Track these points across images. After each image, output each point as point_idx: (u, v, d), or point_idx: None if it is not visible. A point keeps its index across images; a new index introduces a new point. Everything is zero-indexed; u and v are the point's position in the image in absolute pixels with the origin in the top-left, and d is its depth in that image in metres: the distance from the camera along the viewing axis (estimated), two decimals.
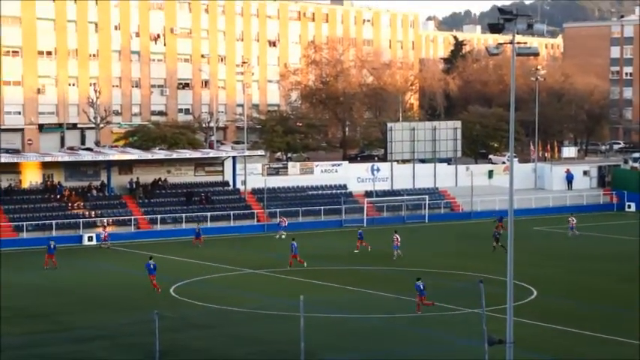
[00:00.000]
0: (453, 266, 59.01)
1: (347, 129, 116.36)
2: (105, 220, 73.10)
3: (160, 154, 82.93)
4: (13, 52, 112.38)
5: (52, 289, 52.07)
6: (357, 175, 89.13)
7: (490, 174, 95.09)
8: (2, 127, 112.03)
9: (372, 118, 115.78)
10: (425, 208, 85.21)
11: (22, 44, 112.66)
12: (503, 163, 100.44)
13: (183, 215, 76.70)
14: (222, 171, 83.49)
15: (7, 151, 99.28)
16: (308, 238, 71.23)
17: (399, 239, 62.74)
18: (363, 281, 54.19)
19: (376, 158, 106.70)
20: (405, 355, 38.39)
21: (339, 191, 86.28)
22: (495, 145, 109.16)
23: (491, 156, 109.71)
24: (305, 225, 79.08)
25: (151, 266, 51.85)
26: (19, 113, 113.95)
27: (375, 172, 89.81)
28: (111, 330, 41.66)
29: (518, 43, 31.17)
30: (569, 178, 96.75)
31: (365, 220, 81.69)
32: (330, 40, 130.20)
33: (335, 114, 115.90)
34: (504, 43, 32.52)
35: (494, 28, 31.47)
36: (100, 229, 70.98)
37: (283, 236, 71.48)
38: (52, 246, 59.89)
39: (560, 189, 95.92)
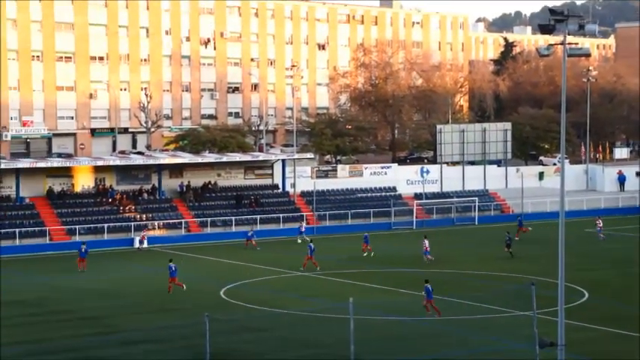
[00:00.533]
0: (503, 268, 58.61)
1: (396, 131, 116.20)
2: (150, 224, 73.75)
3: (210, 157, 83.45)
4: (66, 57, 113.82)
5: (102, 292, 52.57)
6: (406, 177, 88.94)
7: (541, 175, 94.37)
8: (56, 131, 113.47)
9: (422, 121, 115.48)
10: (475, 210, 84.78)
11: (75, 50, 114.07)
12: (554, 164, 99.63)
13: (233, 218, 77.07)
14: (272, 174, 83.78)
15: (60, 155, 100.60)
16: (357, 240, 71.13)
17: (428, 245, 62.04)
18: (411, 284, 53.97)
19: (425, 160, 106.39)
20: (454, 358, 38.23)
21: (388, 194, 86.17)
22: (546, 146, 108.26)
23: (541, 157, 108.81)
24: (354, 227, 79.04)
25: (173, 268, 51.97)
26: (72, 118, 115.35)
27: (425, 175, 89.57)
28: (161, 333, 41.97)
29: (569, 43, 30.85)
30: (622, 180, 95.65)
31: (414, 223, 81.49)
32: (380, 42, 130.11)
33: (384, 116, 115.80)
34: (555, 44, 32.18)
35: (545, 29, 31.17)
36: (142, 233, 71.39)
37: (307, 239, 70.30)
38: (83, 250, 60.45)
39: (612, 190, 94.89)
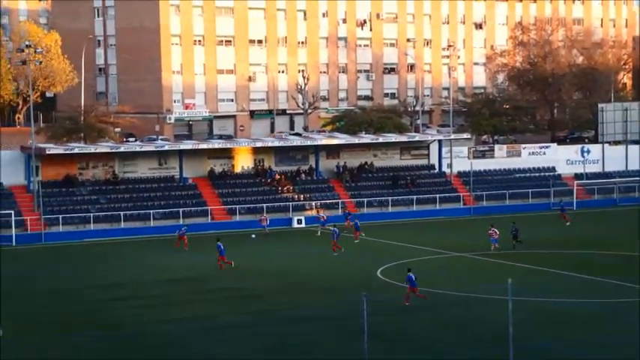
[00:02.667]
0: None
1: (555, 110, 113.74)
2: (307, 204, 74.73)
3: (366, 138, 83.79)
4: (226, 41, 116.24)
5: (260, 271, 53.63)
6: (566, 157, 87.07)
7: None
8: (216, 114, 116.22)
9: (582, 99, 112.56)
10: (638, 191, 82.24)
11: (235, 33, 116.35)
12: None
13: (390, 199, 77.27)
14: (428, 154, 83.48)
15: (220, 137, 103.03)
16: (515, 221, 70.17)
17: (498, 232, 59.24)
18: (571, 265, 52.96)
19: (586, 140, 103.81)
20: (622, 343, 37.32)
21: (547, 174, 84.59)
22: None
23: None
24: (512, 208, 77.99)
25: (221, 247, 53.62)
26: (232, 100, 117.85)
27: (585, 154, 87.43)
28: (319, 312, 42.54)
29: None
30: None
31: (575, 203, 79.76)
32: (539, 20, 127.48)
33: (543, 95, 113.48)
34: None
35: None
36: (262, 216, 70.64)
37: (330, 227, 64.24)
38: (183, 231, 62.85)
39: None
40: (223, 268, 53.07)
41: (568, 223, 70.39)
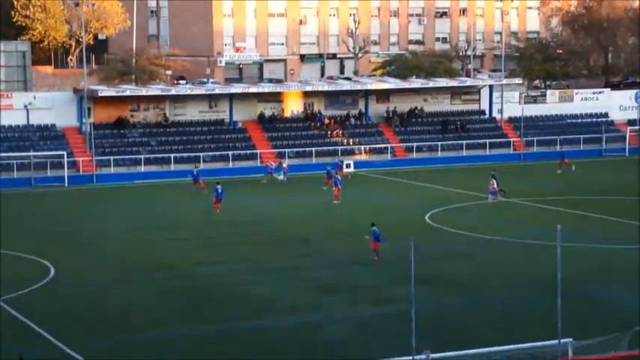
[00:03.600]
0: None
1: (610, 55, 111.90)
2: (357, 149, 74.68)
3: (416, 82, 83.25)
4: None
5: (308, 216, 53.84)
6: (619, 103, 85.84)
7: None
8: (267, 57, 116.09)
9: (637, 44, 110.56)
10: None
11: None
12: None
13: (439, 144, 76.93)
14: (479, 99, 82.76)
15: (270, 80, 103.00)
16: (565, 167, 69.72)
17: (496, 184, 57.19)
18: (623, 212, 52.50)
19: None
20: None
21: (599, 119, 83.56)
22: None
23: None
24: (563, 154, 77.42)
25: (219, 190, 54.07)
26: (283, 44, 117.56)
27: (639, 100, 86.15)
28: (362, 256, 42.66)
29: None
30: None
31: (627, 150, 78.87)
32: None
33: (597, 40, 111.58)
34: None
35: None
36: (277, 161, 69.23)
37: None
38: (195, 172, 62.89)
39: None
40: (218, 211, 53.61)
41: (573, 168, 69.21)
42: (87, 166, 68.51)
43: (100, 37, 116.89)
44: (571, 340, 25.76)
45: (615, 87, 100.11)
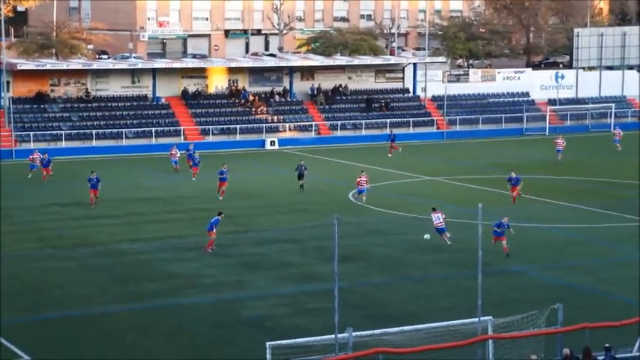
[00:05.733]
0: (634, 176, 57.11)
1: (531, 35, 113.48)
2: (281, 126, 74.52)
3: (341, 60, 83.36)
4: None
5: (234, 192, 53.63)
6: (540, 82, 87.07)
7: None
8: (191, 32, 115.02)
9: (559, 24, 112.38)
10: (611, 117, 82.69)
11: None
12: None
13: (363, 122, 77.23)
14: (403, 78, 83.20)
15: (194, 56, 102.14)
16: (488, 146, 70.60)
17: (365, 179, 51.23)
18: (543, 190, 53.44)
19: (561, 65, 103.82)
20: (584, 266, 37.92)
21: (521, 99, 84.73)
22: None
23: None
24: (485, 133, 78.37)
25: (94, 180, 49.81)
26: (207, 19, 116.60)
27: (560, 80, 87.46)
28: (292, 234, 42.75)
29: None
30: None
31: (547, 129, 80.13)
32: None
33: (519, 20, 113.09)
34: None
35: None
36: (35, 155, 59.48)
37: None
38: (45, 160, 57.08)
39: None
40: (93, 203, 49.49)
41: (400, 150, 67.89)
42: (5, 141, 67.19)
43: (20, 8, 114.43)
44: (490, 317, 26.19)
45: (536, 67, 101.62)
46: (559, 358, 24.34)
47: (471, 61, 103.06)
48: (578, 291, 34.57)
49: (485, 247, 27.04)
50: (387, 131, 74.73)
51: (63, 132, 69.17)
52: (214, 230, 40.11)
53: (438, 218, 40.90)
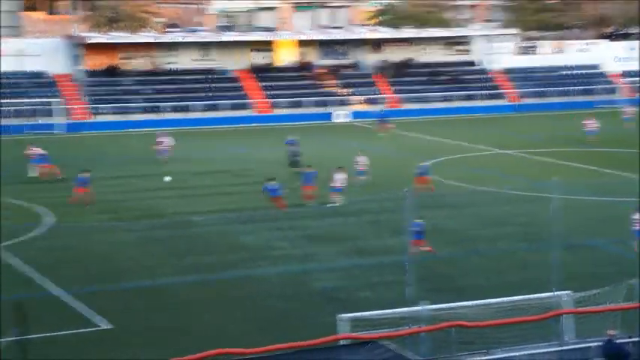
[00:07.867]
0: None
1: (605, 6, 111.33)
2: (350, 99, 74.33)
3: (409, 32, 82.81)
4: None
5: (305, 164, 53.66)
6: (613, 54, 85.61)
7: None
8: (260, 4, 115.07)
9: None
10: None
11: None
12: None
13: (431, 94, 76.70)
14: (472, 50, 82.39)
15: (263, 29, 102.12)
16: (558, 119, 69.67)
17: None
18: (616, 164, 52.58)
19: (635, 37, 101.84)
20: None
21: (592, 71, 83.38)
22: None
23: None
24: (556, 105, 77.34)
25: (41, 157, 47.92)
26: None
27: (633, 51, 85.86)
28: (361, 207, 42.66)
29: None
30: None
31: (620, 101, 78.82)
32: None
33: None
34: None
35: None
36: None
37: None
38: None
39: None
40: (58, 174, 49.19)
41: (382, 134, 64.75)
42: (80, 113, 68.15)
43: None
44: (569, 292, 25.80)
45: (608, 38, 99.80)
46: (638, 334, 23.95)
47: (541, 33, 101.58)
48: None
49: (558, 220, 26.70)
50: (457, 104, 74.20)
51: (135, 105, 69.92)
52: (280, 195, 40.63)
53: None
